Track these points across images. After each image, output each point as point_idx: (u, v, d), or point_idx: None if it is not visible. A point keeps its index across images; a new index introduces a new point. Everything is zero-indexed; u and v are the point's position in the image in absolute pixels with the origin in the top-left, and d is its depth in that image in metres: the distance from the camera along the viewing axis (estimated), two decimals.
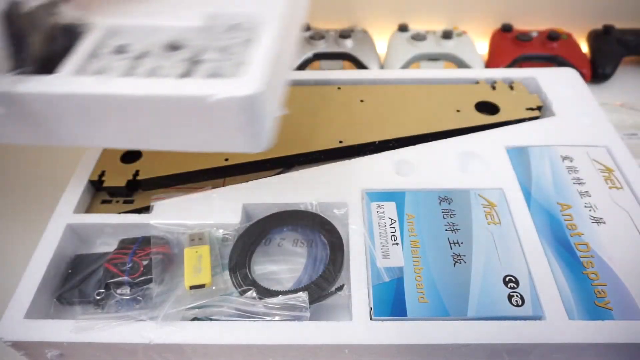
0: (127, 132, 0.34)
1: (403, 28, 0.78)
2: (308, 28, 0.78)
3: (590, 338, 0.33)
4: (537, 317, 0.34)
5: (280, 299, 0.36)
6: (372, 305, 0.35)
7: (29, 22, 0.31)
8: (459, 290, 0.36)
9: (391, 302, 0.35)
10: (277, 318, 0.35)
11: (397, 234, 0.39)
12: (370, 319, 0.35)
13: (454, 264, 0.37)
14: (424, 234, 0.39)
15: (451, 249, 0.38)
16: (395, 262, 0.37)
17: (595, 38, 0.76)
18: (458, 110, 0.52)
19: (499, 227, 0.39)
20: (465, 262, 0.37)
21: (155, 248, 0.39)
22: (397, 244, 0.39)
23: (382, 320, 0.35)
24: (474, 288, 0.36)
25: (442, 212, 0.41)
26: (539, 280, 0.36)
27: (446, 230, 0.39)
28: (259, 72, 0.31)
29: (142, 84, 0.31)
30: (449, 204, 0.41)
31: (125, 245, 0.40)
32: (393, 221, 0.40)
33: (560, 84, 0.54)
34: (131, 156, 0.48)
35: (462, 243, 0.38)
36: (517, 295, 0.35)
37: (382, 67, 0.75)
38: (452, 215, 0.40)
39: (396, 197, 0.42)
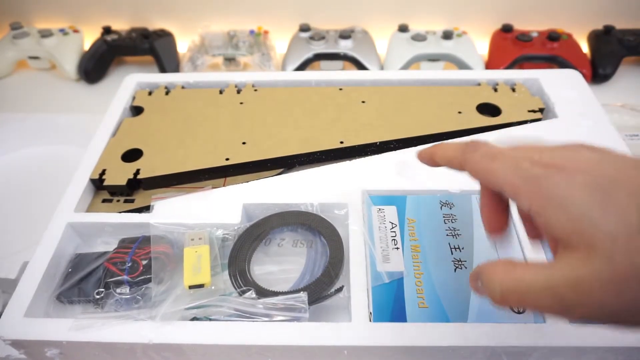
0: None
1: (403, 28, 0.78)
2: (308, 28, 0.78)
3: (590, 341, 0.33)
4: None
5: (279, 299, 0.36)
6: (371, 310, 0.35)
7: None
8: (460, 296, 0.35)
9: (391, 306, 0.35)
10: (276, 318, 0.35)
11: (398, 238, 0.39)
12: (370, 320, 0.35)
13: (455, 270, 0.37)
14: (424, 238, 0.39)
15: (452, 254, 0.38)
16: (395, 267, 0.37)
17: (595, 38, 0.76)
18: (460, 112, 0.52)
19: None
20: (466, 268, 0.37)
21: (154, 247, 0.39)
22: (397, 248, 0.38)
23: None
24: (474, 294, 0.35)
25: (444, 216, 0.41)
26: None
27: (447, 235, 0.39)
28: None
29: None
30: (450, 208, 0.41)
31: (125, 244, 0.40)
32: (394, 225, 0.40)
33: (563, 85, 0.54)
34: (132, 155, 0.48)
35: (463, 248, 0.38)
36: None
37: (382, 67, 0.75)
38: (453, 220, 0.40)
39: (397, 201, 0.42)
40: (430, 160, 0.30)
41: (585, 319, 0.22)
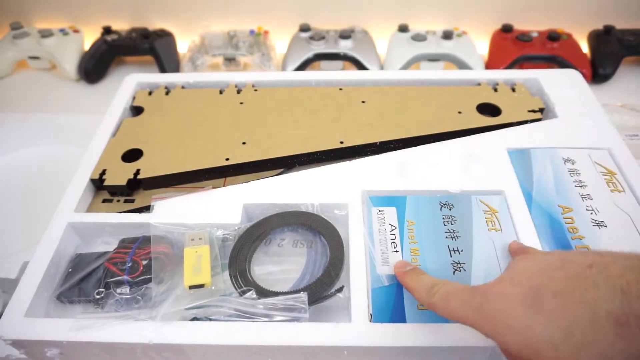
0: None
1: (403, 28, 0.78)
2: (308, 28, 0.78)
3: None
4: None
5: (279, 299, 0.36)
6: (371, 312, 0.35)
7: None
8: None
9: (390, 308, 0.35)
10: (276, 318, 0.35)
11: (397, 241, 0.39)
12: (370, 321, 0.35)
13: (454, 272, 0.37)
14: (423, 241, 0.39)
15: (451, 256, 0.38)
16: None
17: (595, 38, 0.76)
18: (460, 112, 0.52)
19: (500, 233, 0.39)
20: (465, 270, 0.37)
21: (155, 247, 0.39)
22: (396, 251, 0.38)
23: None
24: None
25: (443, 218, 0.41)
26: None
27: (446, 237, 0.39)
28: None
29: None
30: (450, 209, 0.41)
31: (126, 244, 0.40)
32: (393, 227, 0.40)
33: (562, 85, 0.54)
34: (132, 155, 0.48)
35: (462, 250, 0.38)
36: None
37: (382, 67, 0.75)
38: (452, 222, 0.40)
39: (397, 202, 0.42)
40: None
41: None
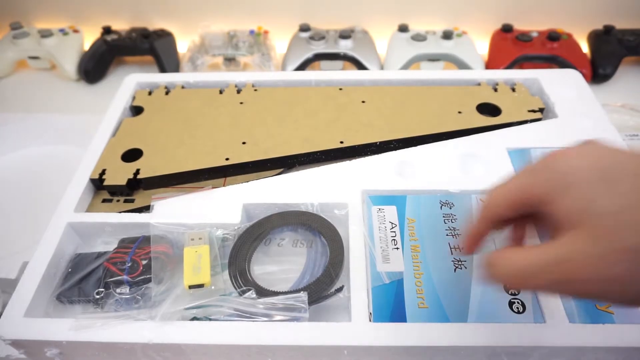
0: None
1: (403, 28, 0.78)
2: (308, 28, 0.78)
3: (590, 341, 0.33)
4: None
5: (279, 299, 0.36)
6: (371, 310, 0.35)
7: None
8: (460, 296, 0.35)
9: (391, 307, 0.35)
10: (276, 318, 0.35)
11: (398, 238, 0.39)
12: (370, 320, 0.35)
13: (455, 270, 0.37)
14: (424, 238, 0.39)
15: (452, 254, 0.38)
16: (395, 267, 0.37)
17: (595, 38, 0.76)
18: (460, 112, 0.52)
19: (501, 232, 0.39)
20: (466, 268, 0.37)
21: (154, 247, 0.39)
22: (397, 248, 0.38)
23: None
24: (474, 294, 0.35)
25: (444, 216, 0.41)
26: None
27: (447, 235, 0.39)
28: None
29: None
30: (450, 208, 0.41)
31: (125, 244, 0.40)
32: (394, 225, 0.40)
33: (562, 85, 0.54)
34: (132, 155, 0.48)
35: (463, 248, 0.38)
36: (518, 302, 0.35)
37: (382, 67, 0.75)
38: (453, 220, 0.40)
39: (397, 200, 0.42)
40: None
41: (577, 295, 0.23)
